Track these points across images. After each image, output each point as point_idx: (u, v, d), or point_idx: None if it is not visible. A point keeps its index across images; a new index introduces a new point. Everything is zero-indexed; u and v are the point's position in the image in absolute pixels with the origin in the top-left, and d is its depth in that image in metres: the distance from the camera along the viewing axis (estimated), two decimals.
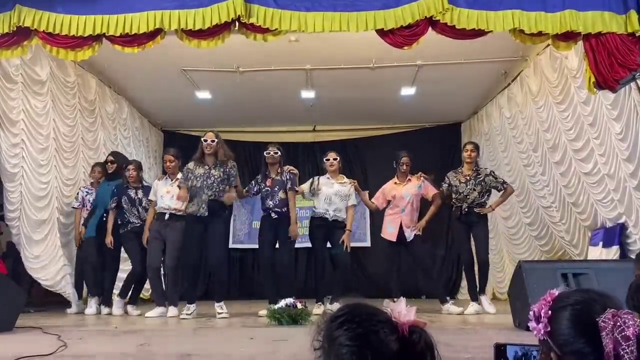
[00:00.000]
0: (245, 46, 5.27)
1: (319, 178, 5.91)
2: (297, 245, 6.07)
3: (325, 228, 5.73)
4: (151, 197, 5.75)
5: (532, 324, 1.06)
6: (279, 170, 5.62)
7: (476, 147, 5.82)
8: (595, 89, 4.62)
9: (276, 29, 4.42)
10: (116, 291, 6.02)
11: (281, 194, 5.53)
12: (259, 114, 8.68)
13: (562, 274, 3.86)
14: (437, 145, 9.00)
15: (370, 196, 6.28)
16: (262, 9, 4.38)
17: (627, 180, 4.99)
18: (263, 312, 5.07)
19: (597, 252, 5.45)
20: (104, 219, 5.96)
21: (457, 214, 5.70)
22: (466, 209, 5.62)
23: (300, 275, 8.33)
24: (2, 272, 5.43)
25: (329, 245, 5.78)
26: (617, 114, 4.96)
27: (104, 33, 4.43)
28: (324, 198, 5.74)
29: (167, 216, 5.57)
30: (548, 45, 5.40)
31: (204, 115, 8.56)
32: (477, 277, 5.71)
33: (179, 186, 5.41)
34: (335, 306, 5.42)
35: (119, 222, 5.88)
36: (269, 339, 3.55)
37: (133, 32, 4.40)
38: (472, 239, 5.79)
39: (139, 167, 6.05)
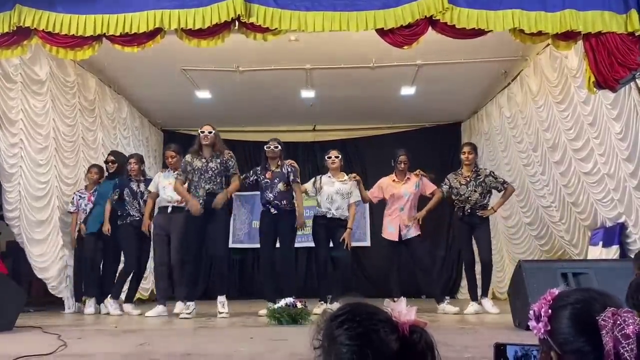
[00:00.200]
0: (245, 46, 5.27)
1: (321, 177, 5.92)
2: (297, 245, 6.06)
3: (328, 227, 5.74)
4: (151, 188, 5.79)
5: (532, 323, 1.06)
6: (279, 163, 5.63)
7: (474, 149, 5.81)
8: (595, 89, 4.62)
9: (276, 28, 4.42)
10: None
11: (281, 186, 5.53)
12: (258, 113, 8.68)
13: (562, 274, 3.87)
14: (437, 145, 9.00)
15: None
16: (262, 8, 4.38)
17: (626, 180, 4.99)
18: (263, 311, 5.07)
19: (597, 252, 5.45)
20: (130, 214, 5.88)
21: (459, 215, 5.70)
22: (469, 210, 5.61)
23: (300, 275, 8.33)
24: (2, 272, 5.41)
25: (331, 244, 5.79)
26: (617, 114, 4.96)
27: (104, 33, 4.43)
28: (325, 197, 5.75)
29: (169, 209, 5.60)
30: (548, 44, 5.40)
31: (204, 115, 8.51)
32: (478, 278, 5.71)
33: (175, 179, 5.42)
34: (335, 306, 5.41)
35: (119, 214, 5.89)
36: (269, 339, 3.55)
37: (133, 32, 4.40)
38: (473, 239, 5.79)
39: (140, 160, 6.06)
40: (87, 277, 6.08)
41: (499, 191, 5.79)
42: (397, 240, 5.81)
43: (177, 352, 2.93)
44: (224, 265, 5.67)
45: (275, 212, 5.53)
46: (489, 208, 5.71)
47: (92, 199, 6.20)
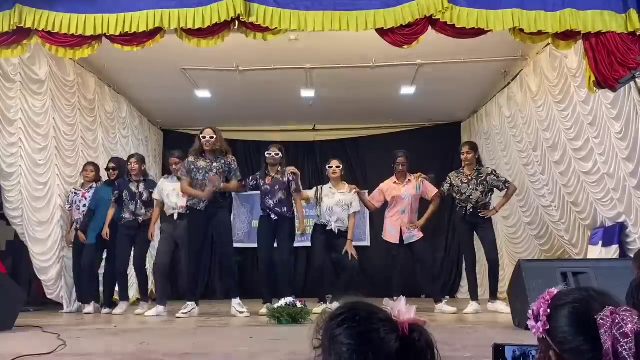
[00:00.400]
0: (245, 45, 5.27)
1: (322, 188, 5.92)
2: (297, 245, 6.08)
3: (327, 236, 5.76)
4: (155, 195, 5.77)
5: (531, 323, 1.06)
6: (279, 170, 5.63)
7: (472, 148, 5.79)
8: (595, 88, 4.62)
9: (276, 28, 4.42)
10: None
11: (281, 195, 5.53)
12: (258, 112, 8.68)
13: (562, 273, 3.86)
14: (436, 145, 9.00)
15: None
16: (261, 8, 4.38)
17: (626, 180, 4.99)
18: (263, 310, 5.07)
19: (596, 252, 5.45)
20: (125, 217, 5.86)
21: (461, 214, 5.69)
22: (471, 210, 5.61)
23: (300, 275, 8.33)
24: (2, 272, 5.41)
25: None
26: (616, 113, 4.96)
27: (104, 32, 4.43)
28: (325, 209, 5.76)
29: (176, 216, 5.58)
30: (548, 44, 5.40)
31: (204, 114, 8.54)
32: (482, 278, 5.70)
33: (179, 178, 5.39)
34: (335, 305, 5.43)
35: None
36: (269, 338, 3.55)
37: (133, 31, 4.40)
38: (475, 240, 5.79)
39: (141, 160, 6.02)
40: (85, 285, 6.04)
41: (500, 190, 5.77)
42: (398, 242, 5.80)
43: (177, 351, 2.93)
44: (233, 266, 5.63)
45: (276, 218, 5.53)
46: (490, 208, 5.71)
47: (87, 195, 6.17)
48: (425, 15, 4.38)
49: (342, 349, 0.94)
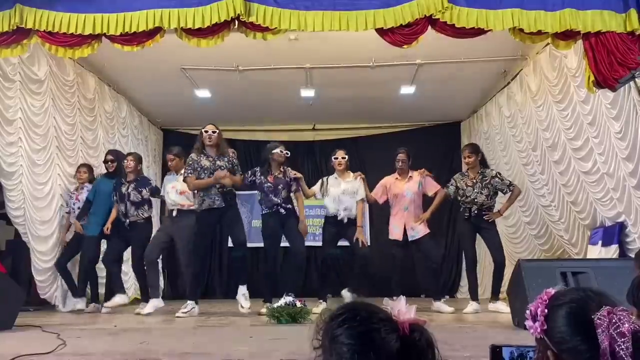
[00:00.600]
0: (245, 45, 5.26)
1: (327, 178, 5.93)
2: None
3: (338, 227, 5.76)
4: (163, 193, 5.89)
5: (528, 323, 1.06)
6: (281, 169, 5.62)
7: (473, 151, 5.75)
8: (594, 88, 4.62)
9: (276, 27, 4.42)
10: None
11: (284, 193, 5.54)
12: (258, 112, 8.68)
13: (562, 273, 3.87)
14: (436, 145, 9.01)
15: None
16: (261, 7, 4.37)
17: (626, 179, 4.99)
18: (263, 310, 5.07)
19: (596, 251, 5.45)
20: (120, 217, 5.87)
21: (465, 215, 5.68)
22: (475, 212, 5.60)
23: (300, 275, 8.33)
24: (1, 271, 5.42)
25: (346, 243, 5.81)
26: (616, 113, 4.96)
27: (104, 32, 4.42)
28: (332, 198, 5.75)
29: (174, 213, 5.60)
30: (548, 44, 5.40)
31: (204, 114, 8.52)
32: (482, 277, 5.70)
33: (185, 177, 5.37)
34: (349, 295, 5.48)
35: None
36: (268, 338, 3.55)
37: (132, 31, 4.39)
38: (477, 240, 5.80)
39: (137, 159, 6.01)
40: (82, 276, 6.06)
41: (505, 193, 5.76)
42: (401, 240, 5.78)
43: (177, 351, 2.93)
44: (246, 258, 5.63)
45: (284, 212, 5.51)
46: (494, 211, 5.69)
47: (80, 197, 6.19)
48: (425, 15, 4.38)
49: (342, 349, 0.94)
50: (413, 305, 0.98)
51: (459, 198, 5.72)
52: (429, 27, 4.49)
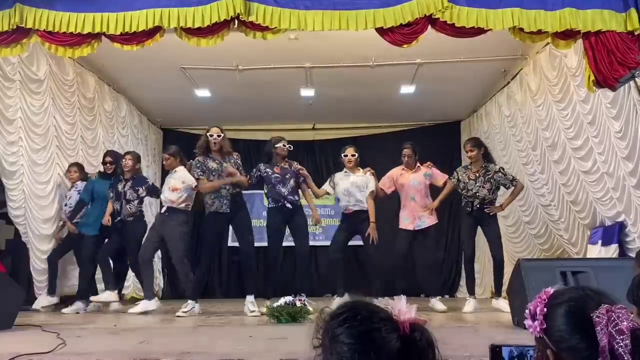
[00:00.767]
0: (245, 44, 5.26)
1: (336, 174, 5.95)
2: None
3: (351, 220, 5.74)
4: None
5: (527, 322, 1.07)
6: (286, 161, 5.65)
7: (476, 145, 5.73)
8: (594, 88, 4.62)
9: (276, 27, 4.42)
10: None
11: (292, 182, 5.54)
12: (258, 112, 8.68)
13: (561, 272, 3.87)
14: (436, 144, 8.97)
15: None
16: (261, 7, 4.37)
17: (626, 179, 4.99)
18: (263, 309, 5.07)
19: (596, 251, 5.45)
20: (115, 215, 5.85)
21: (467, 210, 5.68)
22: (477, 205, 5.60)
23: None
24: (1, 271, 5.41)
25: (360, 243, 5.81)
26: (616, 113, 4.96)
27: (104, 31, 4.42)
28: (342, 191, 5.76)
29: (164, 210, 5.60)
30: (548, 43, 5.40)
31: (203, 113, 8.55)
32: (481, 277, 5.69)
33: (197, 179, 5.35)
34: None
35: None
36: (268, 337, 3.55)
37: (132, 30, 4.39)
38: (478, 235, 5.79)
39: (136, 157, 5.98)
40: (83, 279, 6.00)
41: (507, 188, 5.75)
42: (411, 229, 5.76)
43: (177, 350, 2.93)
44: (253, 265, 5.62)
45: (290, 207, 5.49)
46: (496, 205, 5.70)
47: (68, 194, 6.17)
48: (425, 15, 4.38)
49: (343, 348, 0.94)
50: (414, 305, 0.98)
51: (461, 191, 5.72)
52: (429, 26, 4.49)
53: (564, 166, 6.04)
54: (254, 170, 5.66)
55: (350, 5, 4.39)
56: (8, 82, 5.59)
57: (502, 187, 5.78)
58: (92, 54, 4.95)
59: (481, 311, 5.48)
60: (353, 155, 5.86)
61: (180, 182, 5.51)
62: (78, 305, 5.73)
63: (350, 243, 6.03)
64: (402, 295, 1.04)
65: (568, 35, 4.53)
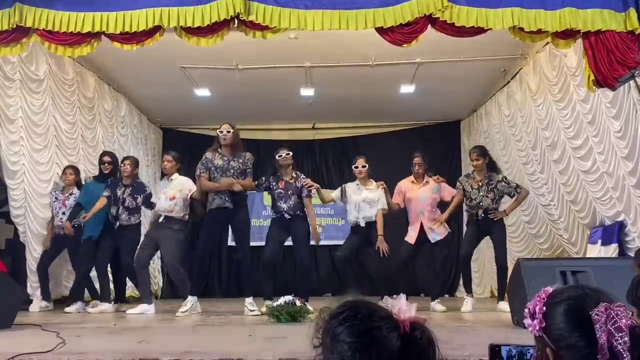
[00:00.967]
0: (245, 43, 5.26)
1: (348, 186, 5.92)
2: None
3: (360, 234, 5.76)
4: (154, 199, 5.82)
5: (527, 321, 1.07)
6: (293, 175, 5.58)
7: (481, 154, 5.70)
8: (594, 87, 4.62)
9: (275, 26, 4.42)
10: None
11: (294, 199, 5.49)
12: (258, 111, 8.67)
13: (561, 272, 3.87)
14: (436, 143, 8.99)
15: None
16: (261, 6, 4.37)
17: (626, 178, 4.99)
18: (263, 309, 5.07)
19: (595, 250, 5.45)
20: (110, 219, 5.79)
21: (473, 220, 5.67)
22: (482, 215, 5.59)
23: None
24: (1, 270, 5.41)
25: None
26: (616, 112, 4.97)
27: (103, 30, 4.42)
28: (353, 205, 5.76)
29: (161, 218, 5.59)
30: (547, 43, 5.40)
31: (203, 113, 8.55)
32: (481, 276, 5.70)
33: (198, 176, 5.34)
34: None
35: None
36: (268, 337, 3.55)
37: (132, 30, 4.39)
38: (481, 241, 5.81)
39: (135, 163, 5.94)
40: (81, 281, 5.96)
41: (512, 197, 5.73)
42: (413, 243, 5.74)
43: (176, 349, 2.93)
44: (250, 266, 5.60)
45: (290, 218, 5.48)
46: (501, 211, 5.68)
47: (67, 203, 6.02)
48: (425, 14, 4.38)
49: (343, 347, 0.94)
50: (414, 303, 0.98)
51: (465, 201, 5.71)
52: (429, 26, 4.49)
53: (563, 166, 6.04)
54: (263, 179, 5.65)
55: (350, 5, 4.39)
56: (8, 81, 5.60)
57: (506, 196, 5.78)
58: (92, 54, 4.94)
59: (480, 311, 5.48)
60: (364, 167, 5.84)
61: (177, 190, 5.52)
62: (79, 304, 5.73)
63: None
64: (402, 294, 1.04)
65: (568, 34, 4.53)
